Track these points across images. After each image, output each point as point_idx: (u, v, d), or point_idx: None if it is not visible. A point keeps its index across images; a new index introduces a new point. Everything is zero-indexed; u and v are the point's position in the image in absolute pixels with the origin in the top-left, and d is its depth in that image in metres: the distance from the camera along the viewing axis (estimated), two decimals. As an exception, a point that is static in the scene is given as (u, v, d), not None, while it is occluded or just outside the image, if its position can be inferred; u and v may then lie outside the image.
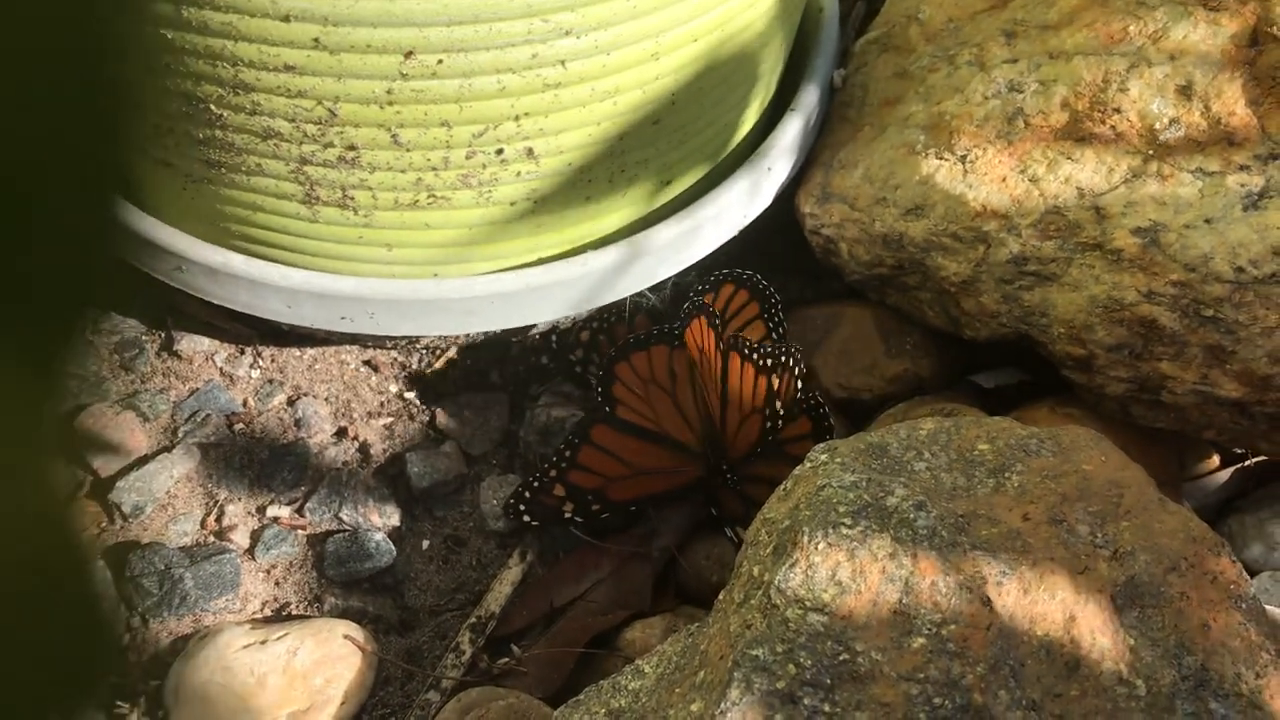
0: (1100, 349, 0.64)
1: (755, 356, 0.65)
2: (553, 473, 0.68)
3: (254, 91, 0.59)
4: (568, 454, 0.68)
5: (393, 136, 0.61)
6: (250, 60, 0.58)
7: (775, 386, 0.64)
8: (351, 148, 0.62)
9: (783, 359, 0.64)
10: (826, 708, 0.45)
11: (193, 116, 0.62)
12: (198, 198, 0.68)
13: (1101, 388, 0.66)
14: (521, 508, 0.68)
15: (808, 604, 0.48)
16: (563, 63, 0.59)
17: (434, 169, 0.63)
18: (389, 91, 0.59)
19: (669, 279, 0.74)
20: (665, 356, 0.72)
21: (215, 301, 0.70)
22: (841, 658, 0.47)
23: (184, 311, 0.77)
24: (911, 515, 0.51)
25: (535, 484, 0.68)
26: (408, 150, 0.62)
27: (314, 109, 0.60)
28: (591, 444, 0.69)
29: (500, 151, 0.62)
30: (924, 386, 0.74)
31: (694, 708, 0.48)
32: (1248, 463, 0.72)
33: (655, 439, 0.70)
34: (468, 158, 0.62)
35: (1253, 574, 0.66)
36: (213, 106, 0.61)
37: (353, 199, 0.64)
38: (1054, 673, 0.47)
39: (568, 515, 0.67)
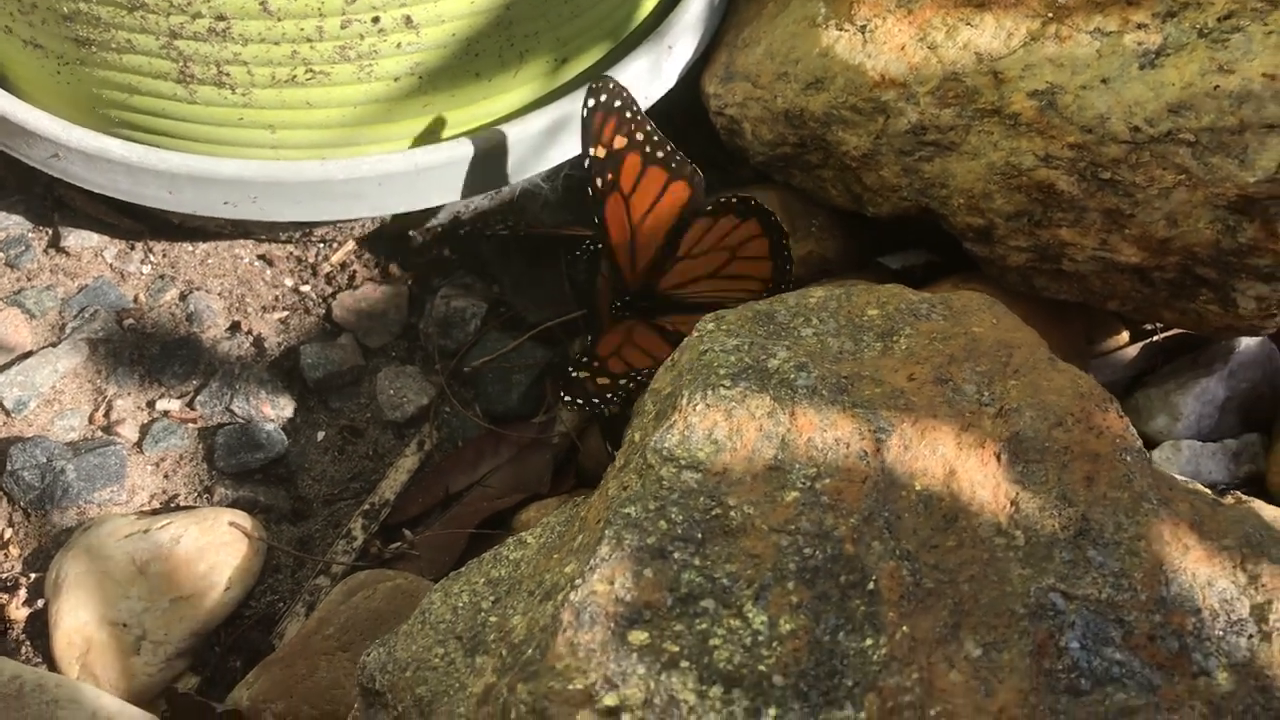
0: (1000, 218, 0.63)
1: (661, 153, 0.62)
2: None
3: (112, -44, 0.57)
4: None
5: (262, 4, 0.58)
6: (105, -79, 0.55)
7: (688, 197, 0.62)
8: (221, 18, 0.59)
9: (689, 165, 0.61)
10: (696, 561, 0.44)
11: (55, -12, 0.59)
12: (72, 81, 0.65)
13: (1003, 259, 0.65)
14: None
15: (682, 462, 0.47)
16: (434, -80, 0.57)
17: (309, 40, 0.60)
18: (252, -47, 0.56)
19: (564, 164, 0.72)
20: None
21: (95, 190, 0.68)
22: (714, 513, 0.46)
23: (72, 207, 0.75)
24: (792, 376, 0.50)
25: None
26: (279, 20, 0.59)
27: (177, -26, 0.57)
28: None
29: (377, 20, 0.60)
30: (830, 269, 0.73)
31: (568, 569, 0.47)
32: (1156, 338, 0.71)
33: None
34: (343, 27, 0.60)
35: (1157, 444, 0.65)
36: (73, -25, 0.58)
37: (229, 75, 0.62)
38: (931, 525, 0.46)
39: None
